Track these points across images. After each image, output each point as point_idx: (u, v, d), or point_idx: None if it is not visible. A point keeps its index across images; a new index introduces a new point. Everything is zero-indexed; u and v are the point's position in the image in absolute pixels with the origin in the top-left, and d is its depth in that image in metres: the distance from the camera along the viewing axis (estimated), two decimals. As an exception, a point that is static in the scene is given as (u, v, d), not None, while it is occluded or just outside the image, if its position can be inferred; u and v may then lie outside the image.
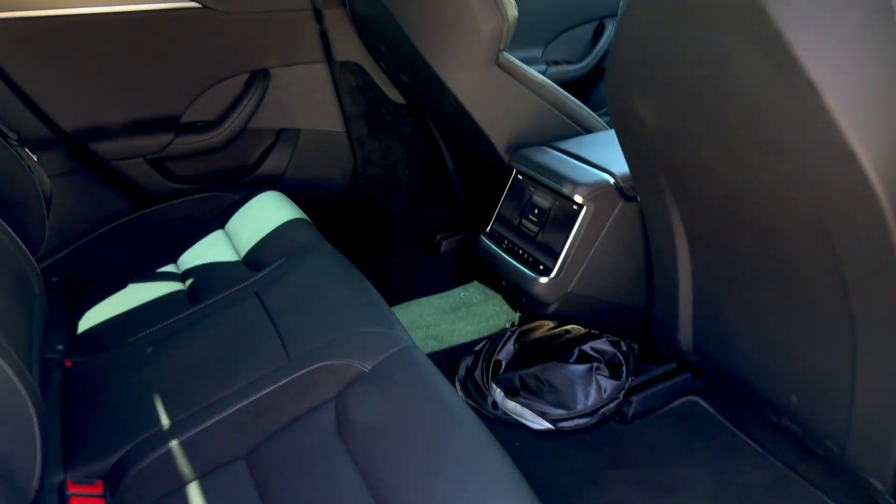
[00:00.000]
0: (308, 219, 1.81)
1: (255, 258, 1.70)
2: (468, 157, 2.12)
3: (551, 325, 1.82)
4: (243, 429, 1.23)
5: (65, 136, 1.88)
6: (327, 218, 2.06)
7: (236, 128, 2.04)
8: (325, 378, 1.28)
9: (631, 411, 1.65)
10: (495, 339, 1.79)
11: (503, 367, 1.74)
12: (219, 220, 1.92)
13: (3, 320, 1.17)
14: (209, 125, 2.03)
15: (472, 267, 2.23)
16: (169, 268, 1.80)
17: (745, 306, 1.33)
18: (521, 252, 1.65)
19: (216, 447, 1.20)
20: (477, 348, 1.81)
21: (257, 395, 1.24)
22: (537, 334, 1.80)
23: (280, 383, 1.24)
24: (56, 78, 1.84)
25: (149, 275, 1.77)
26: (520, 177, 1.71)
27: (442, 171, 2.32)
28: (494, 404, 1.68)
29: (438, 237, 2.33)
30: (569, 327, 1.81)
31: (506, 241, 1.70)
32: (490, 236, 1.76)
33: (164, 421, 1.24)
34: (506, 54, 1.65)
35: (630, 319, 1.70)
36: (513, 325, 1.83)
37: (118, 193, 1.98)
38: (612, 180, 1.54)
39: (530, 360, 1.75)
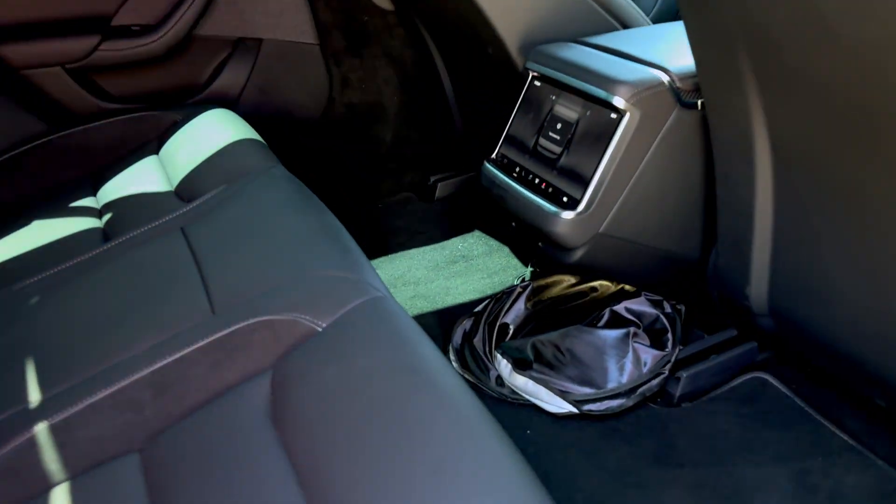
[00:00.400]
0: (262, 140, 1.41)
1: (190, 187, 1.31)
2: (471, 74, 1.71)
3: (573, 280, 1.43)
4: (140, 409, 0.88)
5: None
6: (294, 154, 1.67)
7: (179, 33, 1.64)
8: (261, 340, 0.92)
9: (678, 391, 1.26)
10: (501, 298, 1.39)
11: (511, 332, 1.34)
12: (154, 145, 1.52)
13: None
14: (146, 29, 1.63)
15: (474, 214, 1.83)
16: (86, 201, 1.41)
17: (850, 251, 0.93)
18: (537, 181, 1.25)
19: (101, 434, 0.85)
20: (477, 309, 1.41)
21: (163, 363, 0.90)
22: (555, 291, 1.41)
23: (195, 346, 0.90)
24: None
25: (60, 210, 1.39)
26: (537, 83, 1.31)
27: (438, 96, 1.91)
28: (499, 380, 1.29)
29: (433, 179, 1.94)
30: (596, 283, 1.41)
31: (517, 169, 1.30)
32: (496, 163, 1.35)
33: (33, 396, 0.89)
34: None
35: (679, 272, 1.31)
36: (523, 280, 1.43)
37: (29, 111, 1.58)
38: (665, 78, 1.14)
39: (547, 324, 1.35)
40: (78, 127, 1.57)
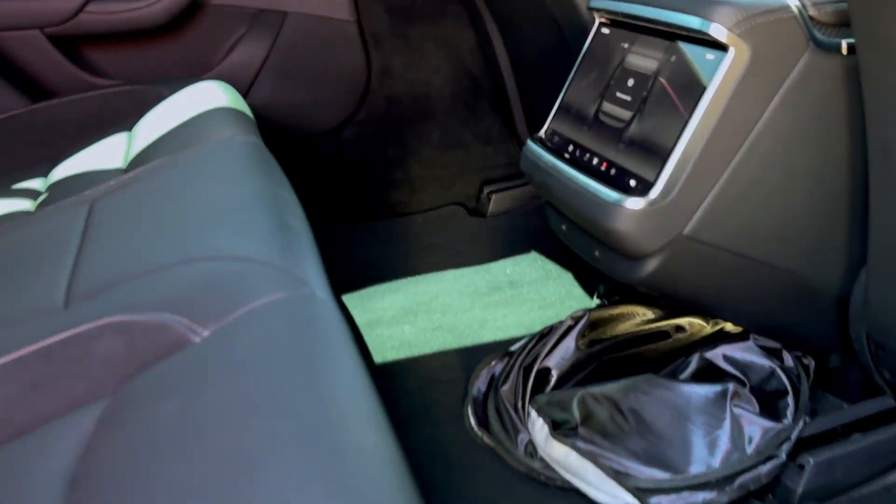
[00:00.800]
0: (248, 112, 1.10)
1: (140, 162, 1.00)
2: (536, 64, 1.37)
3: (650, 314, 1.02)
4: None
5: None
6: (321, 154, 1.37)
7: (181, -2, 1.36)
8: (106, 351, 0.59)
9: (801, 485, 0.83)
10: (546, 335, 1.00)
11: (553, 380, 0.95)
12: (131, 122, 1.24)
13: None
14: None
15: (534, 234, 1.45)
16: (31, 183, 1.13)
17: None
18: (595, 161, 0.87)
19: None
20: (513, 348, 1.03)
21: None
22: (622, 327, 1.00)
23: (22, 353, 0.59)
24: None
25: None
26: (605, 29, 0.94)
27: (497, 92, 1.56)
28: (530, 447, 0.90)
29: (487, 190, 1.57)
30: (684, 321, 1.00)
31: (571, 148, 0.92)
32: (543, 142, 0.98)
33: None
34: None
35: (808, 306, 0.88)
36: (582, 314, 1.02)
37: (8, 84, 1.33)
38: (792, 1, 0.75)
39: (605, 372, 0.95)
40: (49, 101, 1.32)
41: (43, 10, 1.31)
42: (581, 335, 0.97)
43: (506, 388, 0.97)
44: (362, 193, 1.57)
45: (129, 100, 1.29)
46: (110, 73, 1.41)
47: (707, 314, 0.99)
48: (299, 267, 0.63)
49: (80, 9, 1.32)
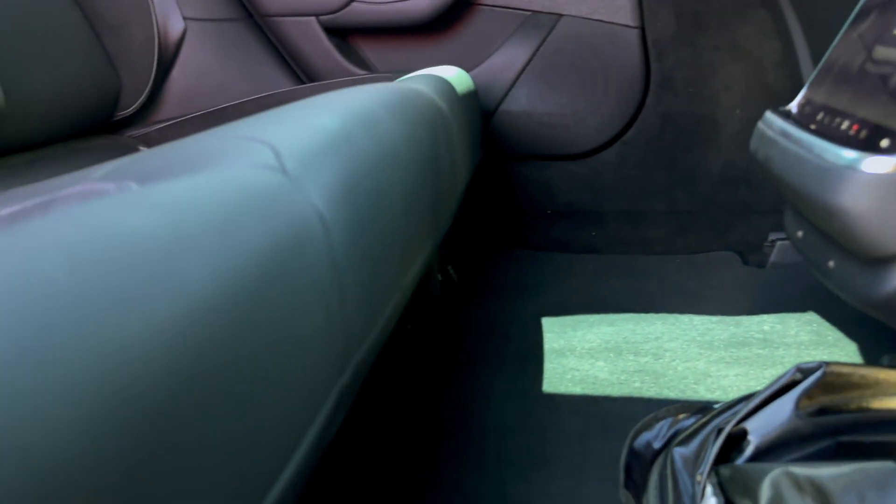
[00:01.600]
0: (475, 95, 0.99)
1: None
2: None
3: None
4: None
5: None
6: (574, 171, 1.23)
7: (451, -5, 1.32)
8: None
9: None
10: (757, 394, 0.69)
11: (751, 448, 0.64)
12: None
13: None
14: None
15: (816, 293, 1.10)
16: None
17: None
18: (844, 123, 0.58)
19: None
20: (717, 406, 0.73)
21: None
22: (882, 401, 0.66)
23: None
24: None
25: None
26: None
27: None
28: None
29: (773, 237, 1.25)
30: None
31: (819, 116, 0.64)
32: (787, 113, 0.70)
33: None
34: None
35: None
36: (816, 366, 0.69)
37: (281, 67, 1.41)
38: None
39: (826, 449, 0.62)
40: (312, 83, 1.35)
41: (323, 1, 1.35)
42: (807, 396, 0.65)
43: (685, 449, 0.69)
44: (613, 221, 1.36)
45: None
46: (373, 66, 1.41)
47: None
48: None
49: (348, 3, 1.34)
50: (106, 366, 0.19)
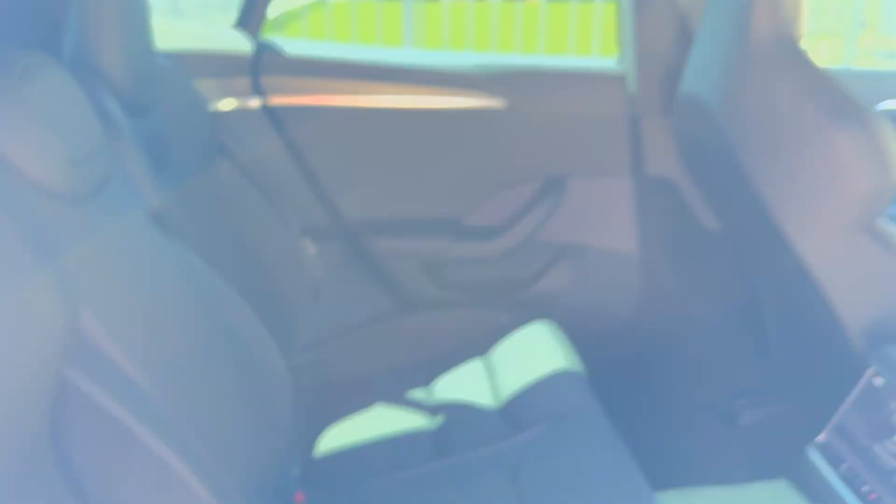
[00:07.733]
0: (580, 368, 1.52)
1: (515, 413, 1.45)
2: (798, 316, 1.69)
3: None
4: None
5: (343, 227, 1.80)
6: (600, 355, 1.76)
7: (519, 238, 1.83)
8: None
9: None
10: None
11: None
12: (480, 344, 1.70)
13: (235, 446, 0.99)
14: (490, 232, 1.84)
15: (784, 456, 1.72)
16: (420, 393, 1.61)
17: None
18: (866, 488, 1.21)
19: None
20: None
21: None
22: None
23: None
24: (348, 166, 1.79)
25: (399, 397, 1.60)
26: (878, 380, 1.27)
27: (753, 317, 1.90)
28: None
29: (738, 402, 1.89)
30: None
31: (845, 466, 1.26)
32: (824, 449, 1.32)
33: None
34: (884, 222, 1.25)
35: None
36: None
37: (384, 293, 1.85)
38: None
39: None
40: (420, 313, 1.81)
41: (424, 247, 1.81)
42: None
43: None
44: (624, 394, 1.94)
45: (475, 321, 1.77)
46: (444, 282, 1.88)
47: None
48: None
49: (447, 248, 1.80)
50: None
